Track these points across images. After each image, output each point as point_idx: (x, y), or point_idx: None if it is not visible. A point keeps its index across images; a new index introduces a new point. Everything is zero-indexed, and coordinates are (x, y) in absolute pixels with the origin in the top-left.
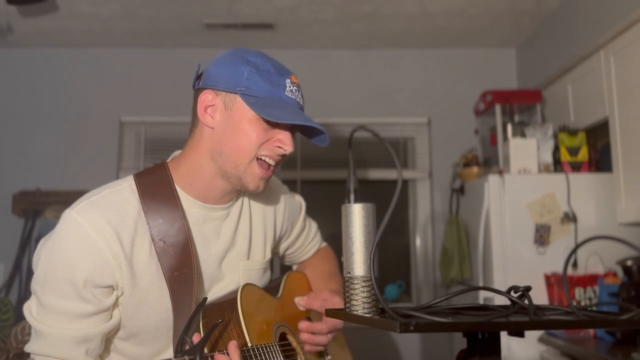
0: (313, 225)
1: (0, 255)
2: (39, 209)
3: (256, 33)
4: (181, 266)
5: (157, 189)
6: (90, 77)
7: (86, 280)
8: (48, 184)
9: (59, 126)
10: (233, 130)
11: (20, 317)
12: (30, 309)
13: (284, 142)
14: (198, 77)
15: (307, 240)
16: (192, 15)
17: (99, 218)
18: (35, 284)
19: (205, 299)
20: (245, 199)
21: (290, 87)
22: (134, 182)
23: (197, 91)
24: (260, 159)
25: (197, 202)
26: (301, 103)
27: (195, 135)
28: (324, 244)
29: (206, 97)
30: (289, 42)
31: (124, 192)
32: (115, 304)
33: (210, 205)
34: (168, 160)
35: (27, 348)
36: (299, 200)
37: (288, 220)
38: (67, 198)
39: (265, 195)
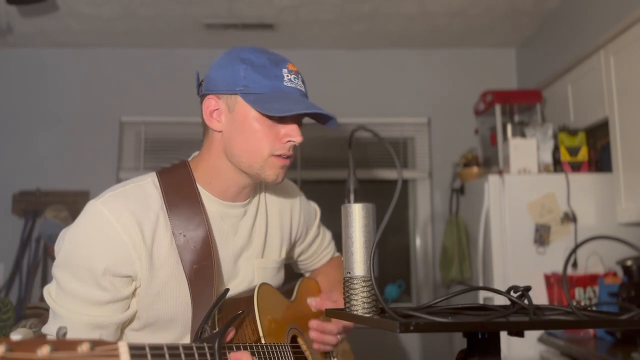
0: (327, 234)
1: (0, 255)
2: (39, 209)
3: (256, 33)
4: (200, 259)
5: (178, 185)
6: (90, 77)
7: (106, 269)
8: (48, 184)
9: (59, 126)
10: (239, 131)
11: (20, 317)
12: (49, 291)
13: (292, 135)
14: (200, 84)
15: (320, 248)
16: (192, 15)
17: (122, 209)
18: (55, 269)
19: (227, 289)
20: (263, 199)
21: (288, 76)
22: (156, 178)
23: (202, 97)
24: (276, 155)
25: (216, 200)
26: (303, 90)
27: (207, 139)
28: (337, 254)
29: (209, 102)
30: (289, 42)
31: (147, 186)
32: (132, 295)
33: (228, 203)
34: (189, 160)
35: (44, 329)
36: (314, 206)
37: (303, 225)
38: (67, 198)
39: (283, 197)
